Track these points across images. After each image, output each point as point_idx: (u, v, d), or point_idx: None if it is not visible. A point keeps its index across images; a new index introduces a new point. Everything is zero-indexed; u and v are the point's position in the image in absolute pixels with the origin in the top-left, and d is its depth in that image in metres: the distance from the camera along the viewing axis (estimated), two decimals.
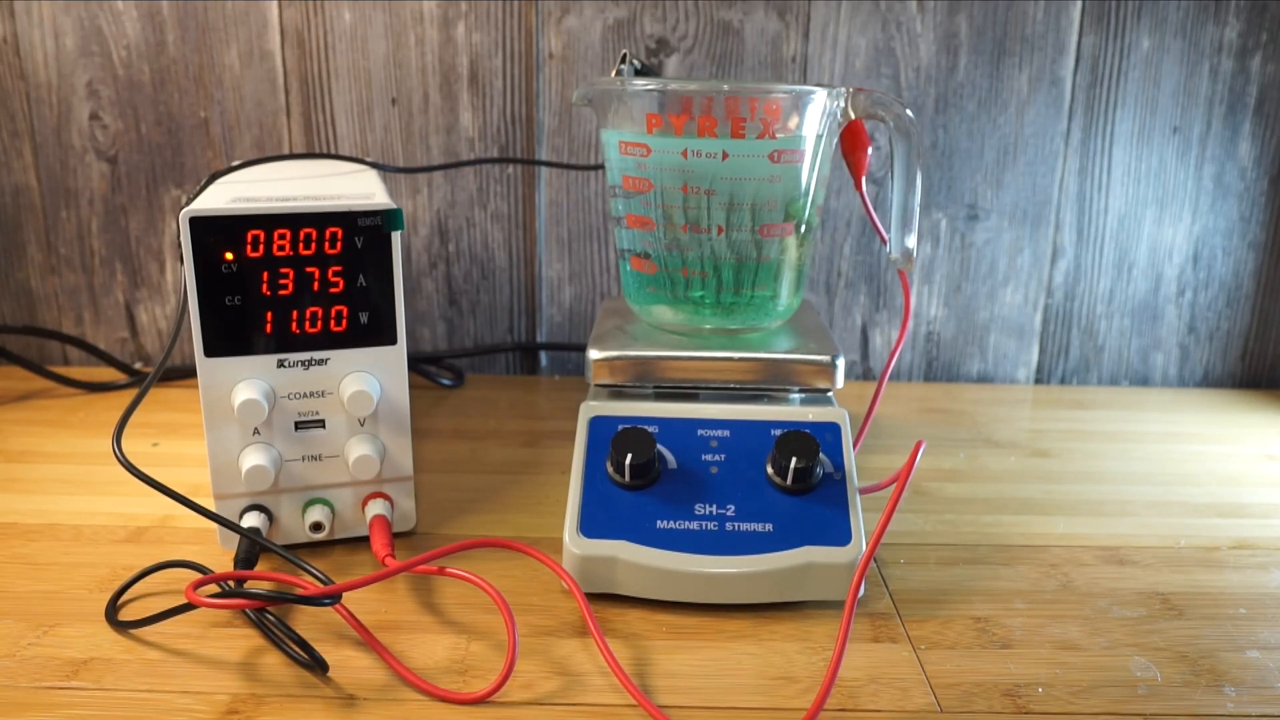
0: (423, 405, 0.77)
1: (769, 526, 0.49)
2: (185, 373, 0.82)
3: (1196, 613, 0.50)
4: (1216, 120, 0.80)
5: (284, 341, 0.50)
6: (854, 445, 0.55)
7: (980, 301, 0.84)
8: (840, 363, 0.55)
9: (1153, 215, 0.82)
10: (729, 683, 0.44)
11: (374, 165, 0.66)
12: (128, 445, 0.67)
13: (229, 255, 0.48)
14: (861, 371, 0.86)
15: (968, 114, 0.79)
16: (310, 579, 0.47)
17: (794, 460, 0.50)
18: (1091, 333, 0.85)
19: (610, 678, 0.44)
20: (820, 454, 0.51)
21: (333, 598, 0.44)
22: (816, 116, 0.53)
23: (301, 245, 0.49)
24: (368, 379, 0.51)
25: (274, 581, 0.46)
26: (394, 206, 0.50)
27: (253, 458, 0.50)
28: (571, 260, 0.83)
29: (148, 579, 0.50)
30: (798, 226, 0.56)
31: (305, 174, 0.61)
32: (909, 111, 0.53)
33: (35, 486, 0.61)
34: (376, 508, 0.53)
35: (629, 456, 0.50)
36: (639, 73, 0.61)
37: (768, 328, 0.59)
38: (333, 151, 0.80)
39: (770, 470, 0.51)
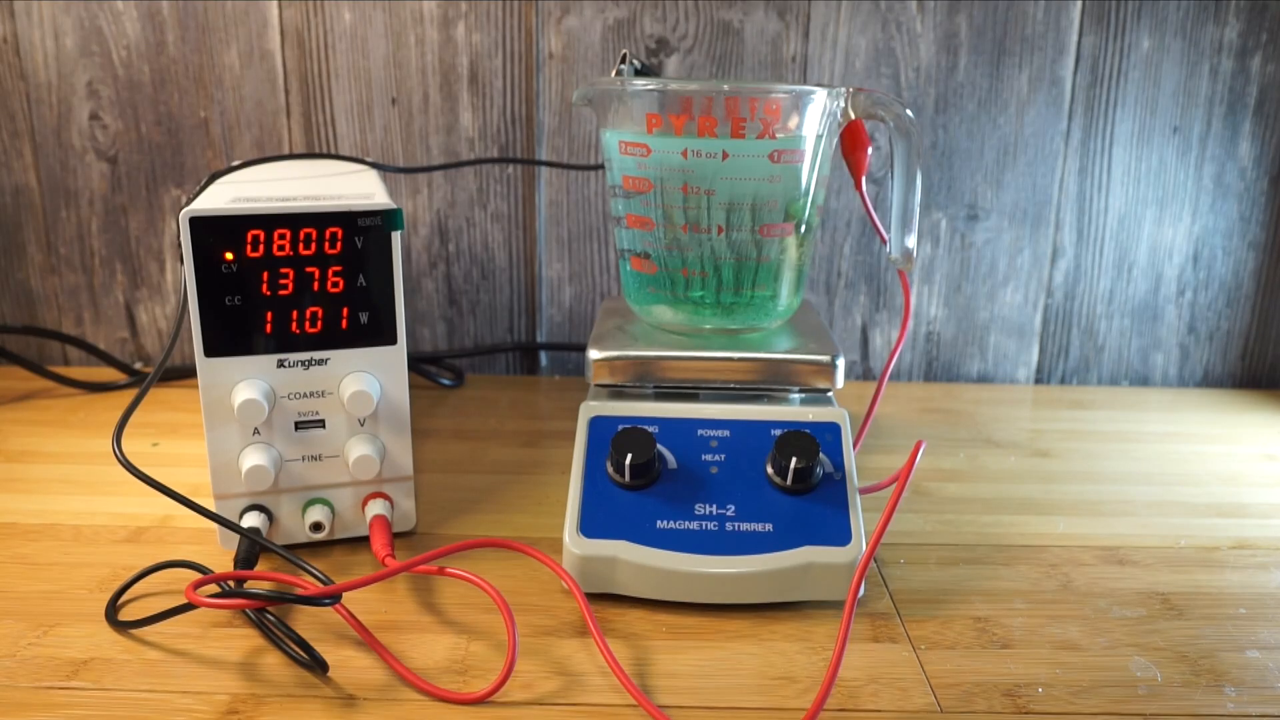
0: (423, 405, 0.77)
1: (769, 526, 0.49)
2: (185, 373, 0.82)
3: (1196, 613, 0.50)
4: (1216, 120, 0.80)
5: (284, 341, 0.50)
6: (854, 445, 0.55)
7: (980, 301, 0.84)
8: (840, 363, 0.55)
9: (1153, 215, 0.82)
10: (729, 683, 0.44)
11: (374, 165, 0.66)
12: (128, 445, 0.67)
13: (229, 255, 0.48)
14: (861, 371, 0.86)
15: (968, 114, 0.79)
16: (310, 579, 0.47)
17: (794, 460, 0.50)
18: (1091, 333, 0.85)
19: (610, 678, 0.44)
20: (820, 454, 0.51)
21: (333, 598, 0.44)
22: (816, 116, 0.53)
23: (301, 245, 0.49)
24: (368, 379, 0.51)
25: (274, 581, 0.46)
26: (394, 206, 0.50)
27: (253, 458, 0.50)
28: (571, 260, 0.83)
29: (148, 579, 0.50)
30: (798, 226, 0.56)
31: (305, 174, 0.61)
32: (909, 111, 0.53)
33: (35, 486, 0.61)
34: (376, 508, 0.53)
35: (629, 456, 0.50)
36: (639, 73, 0.60)
37: (768, 328, 0.59)
38: (333, 151, 0.80)
39: (770, 470, 0.51)
